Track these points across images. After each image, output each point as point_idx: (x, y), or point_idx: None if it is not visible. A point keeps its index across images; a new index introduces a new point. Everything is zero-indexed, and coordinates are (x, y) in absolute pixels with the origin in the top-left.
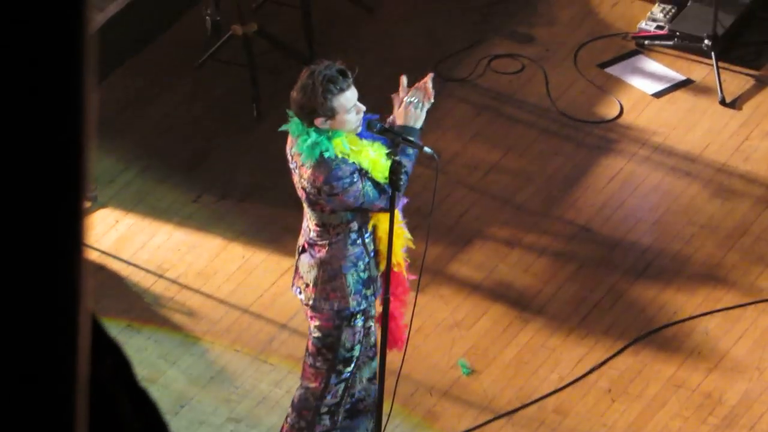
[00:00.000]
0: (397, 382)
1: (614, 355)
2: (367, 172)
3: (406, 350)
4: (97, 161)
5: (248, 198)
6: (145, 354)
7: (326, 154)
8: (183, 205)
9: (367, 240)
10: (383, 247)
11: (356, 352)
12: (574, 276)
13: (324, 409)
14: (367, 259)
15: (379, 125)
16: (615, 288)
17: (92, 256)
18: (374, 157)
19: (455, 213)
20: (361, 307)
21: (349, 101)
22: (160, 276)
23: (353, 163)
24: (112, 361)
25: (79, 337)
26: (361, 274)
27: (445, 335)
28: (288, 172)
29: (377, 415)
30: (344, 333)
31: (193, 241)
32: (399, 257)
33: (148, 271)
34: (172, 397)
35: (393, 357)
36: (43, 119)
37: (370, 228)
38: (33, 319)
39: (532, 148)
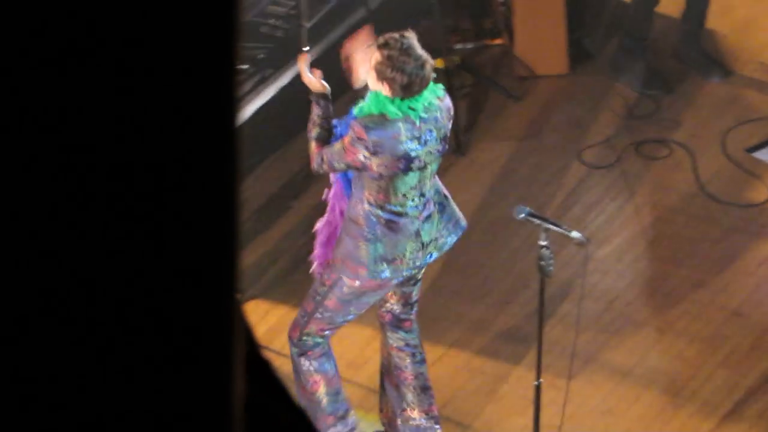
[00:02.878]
0: None
1: None
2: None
3: None
4: (244, 255)
5: None
6: None
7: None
8: None
9: None
10: None
11: None
12: (725, 361)
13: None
14: None
15: (527, 210)
16: None
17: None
18: None
19: (606, 299)
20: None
21: None
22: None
23: None
24: None
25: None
26: None
27: (598, 421)
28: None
29: None
30: None
31: (342, 332)
32: None
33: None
34: None
35: None
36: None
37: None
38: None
39: (681, 233)
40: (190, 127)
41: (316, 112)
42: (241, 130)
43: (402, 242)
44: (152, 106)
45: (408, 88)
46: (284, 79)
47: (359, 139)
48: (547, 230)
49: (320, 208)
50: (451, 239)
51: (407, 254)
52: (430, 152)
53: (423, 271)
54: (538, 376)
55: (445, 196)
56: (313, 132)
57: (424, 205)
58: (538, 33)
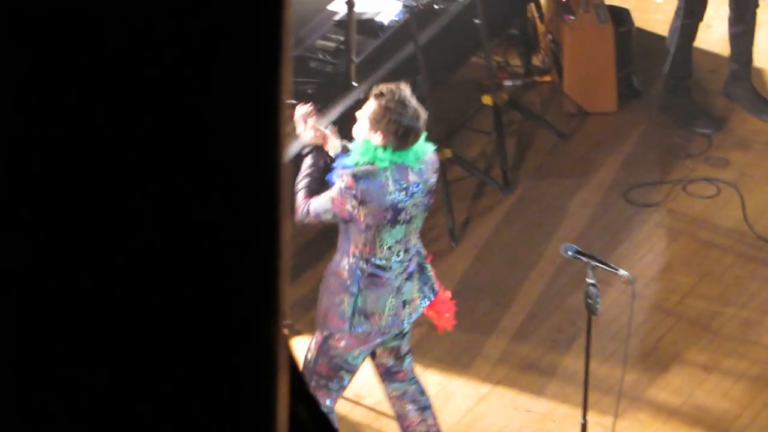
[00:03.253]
0: None
1: None
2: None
3: None
4: (291, 290)
5: None
6: None
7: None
8: None
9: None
10: None
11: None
12: None
13: None
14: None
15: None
16: None
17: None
18: None
19: (652, 338)
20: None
21: None
22: (357, 403)
23: None
24: None
25: None
26: None
27: None
28: (473, 296)
29: None
30: None
31: None
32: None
33: (345, 398)
34: None
35: None
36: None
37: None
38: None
39: (729, 272)
40: (238, 161)
41: (307, 163)
42: (291, 164)
43: (383, 297)
44: (199, 143)
45: (403, 139)
46: (333, 114)
47: (347, 188)
48: (594, 268)
49: None
50: (425, 303)
51: (387, 310)
52: (416, 205)
53: (410, 326)
54: (584, 414)
55: (425, 258)
56: (303, 182)
57: (408, 261)
58: (587, 70)
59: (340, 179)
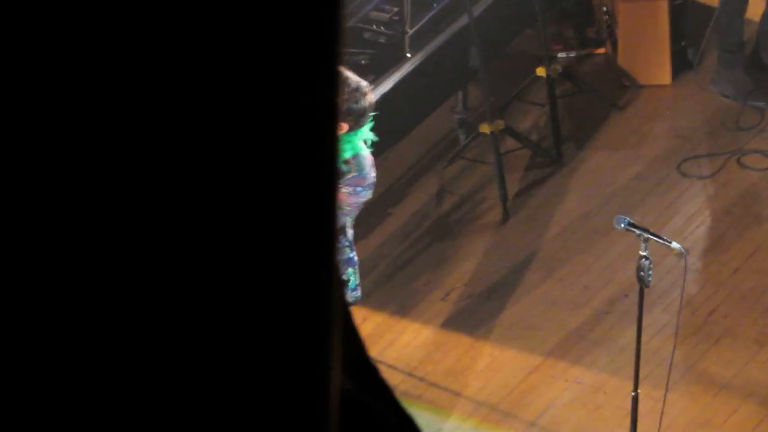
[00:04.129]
0: None
1: None
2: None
3: None
4: None
5: (495, 295)
6: None
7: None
8: (431, 303)
9: None
10: None
11: None
12: None
13: None
14: None
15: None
16: None
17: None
18: None
19: (704, 310)
20: None
21: None
22: (409, 374)
23: None
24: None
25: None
26: None
27: None
28: (525, 268)
29: None
30: None
31: (441, 339)
32: None
33: (396, 368)
34: None
35: None
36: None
37: None
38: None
39: None
40: (289, 132)
41: None
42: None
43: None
44: (252, 112)
45: (364, 116)
46: (386, 86)
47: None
48: (646, 240)
49: (419, 215)
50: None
51: None
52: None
53: None
54: (636, 387)
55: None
56: None
57: (350, 247)
58: (642, 42)
59: (349, 187)
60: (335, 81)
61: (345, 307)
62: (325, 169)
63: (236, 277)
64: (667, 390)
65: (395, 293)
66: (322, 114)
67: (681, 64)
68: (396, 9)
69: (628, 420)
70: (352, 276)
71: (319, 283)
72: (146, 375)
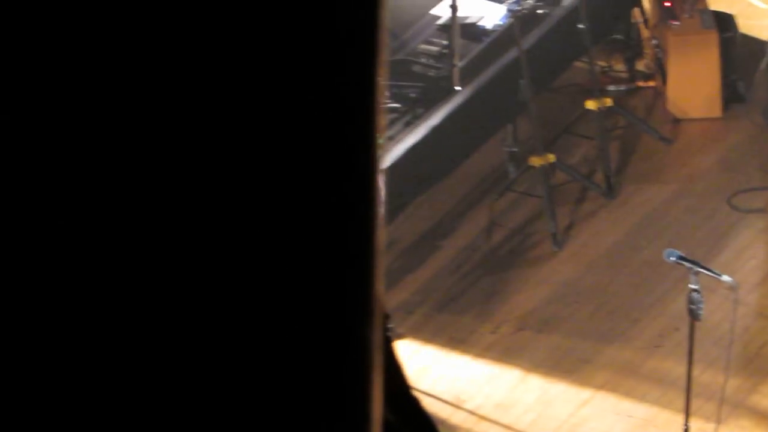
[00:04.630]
0: None
1: None
2: None
3: None
4: (393, 294)
5: (545, 329)
6: None
7: None
8: (481, 336)
9: None
10: None
11: None
12: None
13: None
14: None
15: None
16: None
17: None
18: None
19: (755, 344)
20: None
21: None
22: (458, 407)
23: None
24: None
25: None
26: None
27: None
28: (575, 301)
29: None
30: None
31: (491, 372)
32: None
33: (446, 402)
34: None
35: None
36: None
37: None
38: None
39: None
40: (333, 163)
41: None
42: (392, 169)
43: None
44: (292, 139)
45: None
46: (436, 119)
47: None
48: (697, 273)
49: (469, 249)
50: None
51: None
52: None
53: None
54: (687, 421)
55: None
56: None
57: None
58: (692, 75)
59: None
60: (375, 89)
61: (387, 341)
62: (365, 178)
63: (271, 294)
64: (718, 423)
65: (445, 326)
66: (362, 120)
67: (731, 97)
68: (445, 42)
69: None
70: None
71: (358, 313)
72: (166, 376)
